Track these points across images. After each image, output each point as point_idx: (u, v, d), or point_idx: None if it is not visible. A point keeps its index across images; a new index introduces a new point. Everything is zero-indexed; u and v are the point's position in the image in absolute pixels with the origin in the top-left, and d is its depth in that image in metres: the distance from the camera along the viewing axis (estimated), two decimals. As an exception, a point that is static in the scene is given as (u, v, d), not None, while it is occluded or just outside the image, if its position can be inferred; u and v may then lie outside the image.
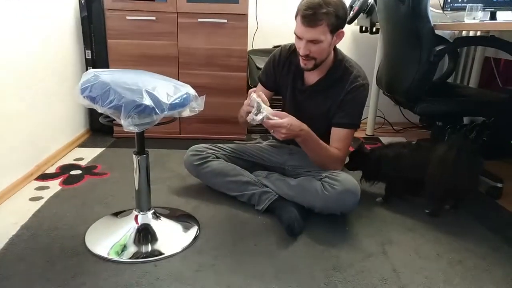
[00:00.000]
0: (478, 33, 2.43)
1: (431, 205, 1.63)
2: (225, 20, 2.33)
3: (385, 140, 2.70)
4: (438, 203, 1.62)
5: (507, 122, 2.15)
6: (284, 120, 1.37)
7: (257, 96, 1.37)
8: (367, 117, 2.80)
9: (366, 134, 2.81)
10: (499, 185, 1.82)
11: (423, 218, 1.59)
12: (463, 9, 1.81)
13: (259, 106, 1.35)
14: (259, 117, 1.34)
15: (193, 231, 1.42)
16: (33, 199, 1.63)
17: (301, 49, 1.45)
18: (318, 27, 1.38)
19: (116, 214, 1.49)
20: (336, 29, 1.42)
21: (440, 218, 1.60)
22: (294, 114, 1.43)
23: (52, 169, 1.95)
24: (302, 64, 1.50)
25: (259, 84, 1.73)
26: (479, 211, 1.68)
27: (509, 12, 1.96)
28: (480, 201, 1.78)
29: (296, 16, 1.44)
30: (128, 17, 2.30)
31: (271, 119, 1.35)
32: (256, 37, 2.76)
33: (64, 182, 1.80)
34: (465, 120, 2.64)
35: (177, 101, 1.17)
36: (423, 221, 1.57)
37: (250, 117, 1.36)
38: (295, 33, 1.46)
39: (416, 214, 1.62)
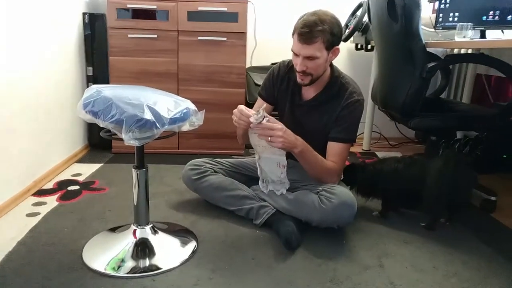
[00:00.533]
0: (470, 51, 2.50)
1: (426, 218, 1.65)
2: (224, 38, 2.38)
3: (381, 155, 2.73)
4: (433, 217, 1.64)
5: (498, 136, 2.19)
6: (278, 124, 1.40)
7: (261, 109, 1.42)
8: (363, 132, 2.84)
9: (363, 149, 2.85)
10: (493, 198, 1.85)
11: (419, 231, 1.60)
12: (454, 28, 1.87)
13: (259, 111, 1.39)
14: (259, 116, 1.37)
15: (191, 245, 1.42)
16: (30, 214, 1.63)
17: (298, 65, 1.49)
18: (314, 44, 1.43)
19: (113, 229, 1.50)
20: (331, 46, 1.47)
21: (436, 231, 1.61)
22: (292, 128, 1.46)
23: (49, 185, 1.95)
24: (299, 79, 1.54)
25: (259, 99, 1.77)
26: (474, 224, 1.70)
27: (498, 31, 2.02)
28: (474, 215, 1.80)
29: (293, 34, 1.49)
30: (130, 35, 2.35)
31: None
32: (254, 54, 2.82)
33: (61, 198, 1.80)
34: (459, 135, 2.68)
35: (177, 115, 1.19)
36: (419, 234, 1.58)
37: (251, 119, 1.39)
38: (292, 50, 1.50)
39: (412, 227, 1.63)
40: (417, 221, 1.67)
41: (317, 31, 1.41)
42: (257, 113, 1.38)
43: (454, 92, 2.87)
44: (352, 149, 2.84)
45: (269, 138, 1.39)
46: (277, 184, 1.54)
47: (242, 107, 1.43)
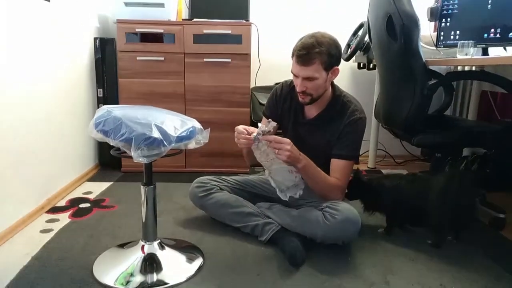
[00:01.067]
0: (474, 68, 2.53)
1: (433, 235, 1.65)
2: (229, 60, 2.46)
3: (386, 172, 2.74)
4: (439, 234, 1.64)
5: (507, 153, 2.19)
6: (286, 138, 1.45)
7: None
8: (368, 150, 2.86)
9: (368, 167, 2.86)
10: (502, 215, 1.84)
11: (425, 249, 1.60)
12: (456, 46, 1.90)
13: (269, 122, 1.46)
14: (266, 128, 1.43)
15: (198, 261, 1.45)
16: (43, 231, 1.68)
17: (298, 86, 1.55)
18: (312, 66, 1.48)
19: (122, 245, 1.53)
20: (330, 66, 1.52)
21: (443, 248, 1.61)
22: (296, 146, 1.49)
23: (62, 202, 2.01)
24: (300, 99, 1.60)
25: (264, 118, 1.81)
26: (483, 241, 1.69)
27: (500, 48, 2.06)
28: (483, 232, 1.80)
29: (292, 56, 1.55)
30: (138, 58, 2.44)
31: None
32: (258, 75, 2.89)
33: (73, 215, 1.85)
34: (467, 152, 2.69)
35: (183, 134, 1.24)
36: (425, 252, 1.58)
37: (258, 131, 1.44)
38: (292, 72, 1.56)
39: (418, 244, 1.63)
40: (424, 238, 1.67)
41: (314, 53, 1.47)
42: (266, 126, 1.44)
43: (460, 109, 2.89)
44: (358, 167, 2.85)
45: (277, 150, 1.43)
46: (294, 188, 1.54)
47: (238, 126, 1.49)
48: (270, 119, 1.49)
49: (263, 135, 1.44)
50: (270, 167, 1.51)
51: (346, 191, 1.68)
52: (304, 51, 1.47)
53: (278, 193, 1.52)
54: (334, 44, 1.52)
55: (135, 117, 1.21)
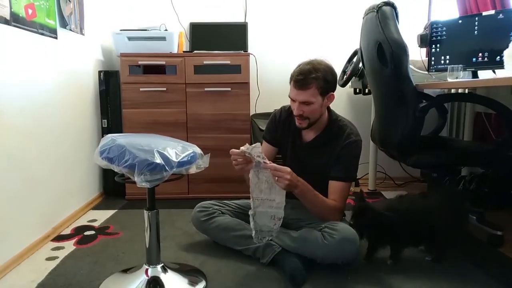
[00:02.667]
0: (466, 91, 2.61)
1: (432, 253, 1.67)
2: (229, 89, 2.55)
3: (387, 194, 2.77)
4: (438, 251, 1.66)
5: (505, 172, 2.22)
6: (285, 167, 1.49)
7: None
8: (368, 173, 2.90)
9: (368, 189, 2.89)
10: (499, 233, 1.86)
11: (425, 266, 1.63)
12: (446, 70, 1.98)
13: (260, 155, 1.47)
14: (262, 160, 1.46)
15: (201, 284, 1.48)
16: (49, 258, 1.72)
17: (295, 110, 1.62)
18: (309, 90, 1.56)
19: (126, 270, 1.56)
20: (326, 92, 1.60)
21: (442, 266, 1.63)
22: (295, 168, 1.55)
23: (67, 231, 2.05)
24: (297, 123, 1.67)
25: (264, 142, 1.88)
26: (481, 259, 1.71)
27: (489, 71, 2.13)
28: (482, 250, 1.81)
29: (290, 81, 1.63)
30: (141, 89, 2.54)
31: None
32: (258, 102, 2.97)
33: (78, 242, 1.89)
34: (465, 172, 2.72)
35: (184, 159, 1.30)
36: (425, 270, 1.60)
37: (256, 162, 1.47)
38: (289, 96, 1.64)
39: (417, 262, 1.66)
40: (422, 256, 1.69)
41: (311, 78, 1.55)
42: (252, 146, 1.46)
43: (456, 130, 2.95)
44: (358, 189, 2.89)
45: (276, 178, 1.47)
46: (267, 233, 1.54)
47: (232, 150, 1.53)
48: (256, 144, 1.47)
49: (263, 161, 1.47)
50: (257, 208, 1.52)
51: (352, 222, 1.61)
52: (301, 76, 1.56)
53: (253, 234, 1.53)
54: (330, 71, 1.61)
55: (138, 144, 1.28)
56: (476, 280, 1.52)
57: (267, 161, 1.48)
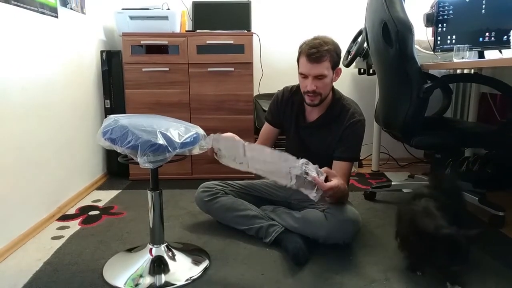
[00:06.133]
0: (472, 71, 2.57)
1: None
2: (232, 69, 2.53)
3: (390, 175, 2.77)
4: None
5: (502, 152, 2.22)
6: (335, 181, 1.38)
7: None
8: (371, 154, 2.90)
9: (372, 170, 2.90)
10: (501, 213, 1.87)
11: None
12: (452, 50, 1.95)
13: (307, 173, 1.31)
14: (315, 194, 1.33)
15: (204, 263, 1.50)
16: (55, 237, 1.74)
17: (308, 86, 1.59)
18: (323, 63, 1.56)
19: (131, 250, 1.59)
20: (336, 65, 1.61)
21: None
22: (297, 149, 1.55)
23: (72, 210, 2.07)
24: (308, 100, 1.64)
25: (266, 124, 1.87)
26: (483, 239, 1.70)
27: (496, 51, 2.10)
28: (483, 230, 1.82)
29: (299, 58, 1.61)
30: (144, 69, 2.52)
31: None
32: (261, 82, 2.95)
33: (83, 222, 1.91)
34: (468, 153, 2.72)
35: (187, 140, 1.30)
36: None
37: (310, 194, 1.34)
38: (300, 73, 1.62)
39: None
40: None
41: (324, 50, 1.55)
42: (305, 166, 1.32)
43: (461, 111, 2.93)
44: (362, 170, 2.90)
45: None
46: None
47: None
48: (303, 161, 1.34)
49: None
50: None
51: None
52: (314, 49, 1.54)
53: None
54: (337, 44, 1.61)
55: (141, 125, 1.28)
56: (476, 260, 1.53)
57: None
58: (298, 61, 1.64)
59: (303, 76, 1.61)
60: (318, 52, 1.54)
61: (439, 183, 1.57)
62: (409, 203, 1.47)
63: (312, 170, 1.33)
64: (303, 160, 1.33)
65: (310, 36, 1.63)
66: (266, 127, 1.86)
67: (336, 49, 1.59)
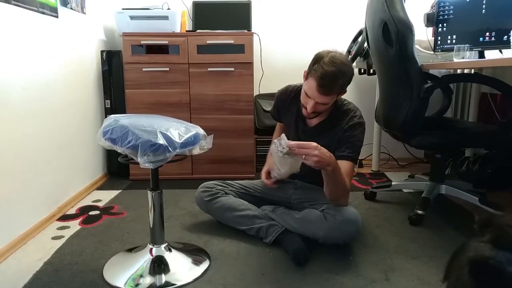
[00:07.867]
0: (472, 71, 2.57)
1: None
2: (232, 69, 2.53)
3: (390, 175, 2.77)
4: None
5: (502, 152, 2.22)
6: (312, 142, 1.37)
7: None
8: (371, 154, 2.90)
9: (372, 170, 2.90)
10: (501, 213, 1.86)
11: (427, 247, 1.64)
12: (453, 50, 1.95)
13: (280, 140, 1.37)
14: (284, 144, 1.35)
15: (205, 263, 1.50)
16: (55, 237, 1.74)
17: (309, 107, 1.57)
18: (331, 95, 1.55)
19: (131, 250, 1.59)
20: (343, 90, 1.60)
21: (442, 246, 1.65)
22: None
23: (72, 210, 2.08)
24: (305, 113, 1.64)
25: (278, 123, 1.95)
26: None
27: (496, 51, 2.10)
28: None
29: (308, 76, 1.55)
30: (144, 69, 2.52)
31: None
32: (262, 82, 2.95)
33: (83, 222, 1.92)
34: (468, 153, 2.72)
35: (188, 140, 1.30)
36: (427, 250, 1.61)
37: (275, 150, 1.38)
38: (305, 91, 1.57)
39: (419, 244, 1.67)
40: (425, 237, 1.70)
41: (336, 84, 1.51)
42: (278, 142, 1.37)
43: (461, 111, 2.93)
44: (362, 170, 2.90)
45: (304, 156, 1.35)
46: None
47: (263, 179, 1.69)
48: (281, 137, 1.38)
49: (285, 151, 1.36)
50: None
51: None
52: (326, 80, 1.48)
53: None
54: (352, 70, 1.58)
55: (141, 125, 1.28)
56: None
57: (291, 142, 1.36)
58: (306, 75, 1.56)
59: (308, 96, 1.56)
60: (329, 85, 1.49)
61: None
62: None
63: (284, 139, 1.36)
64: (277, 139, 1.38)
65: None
66: (277, 126, 1.96)
67: (349, 79, 1.55)
